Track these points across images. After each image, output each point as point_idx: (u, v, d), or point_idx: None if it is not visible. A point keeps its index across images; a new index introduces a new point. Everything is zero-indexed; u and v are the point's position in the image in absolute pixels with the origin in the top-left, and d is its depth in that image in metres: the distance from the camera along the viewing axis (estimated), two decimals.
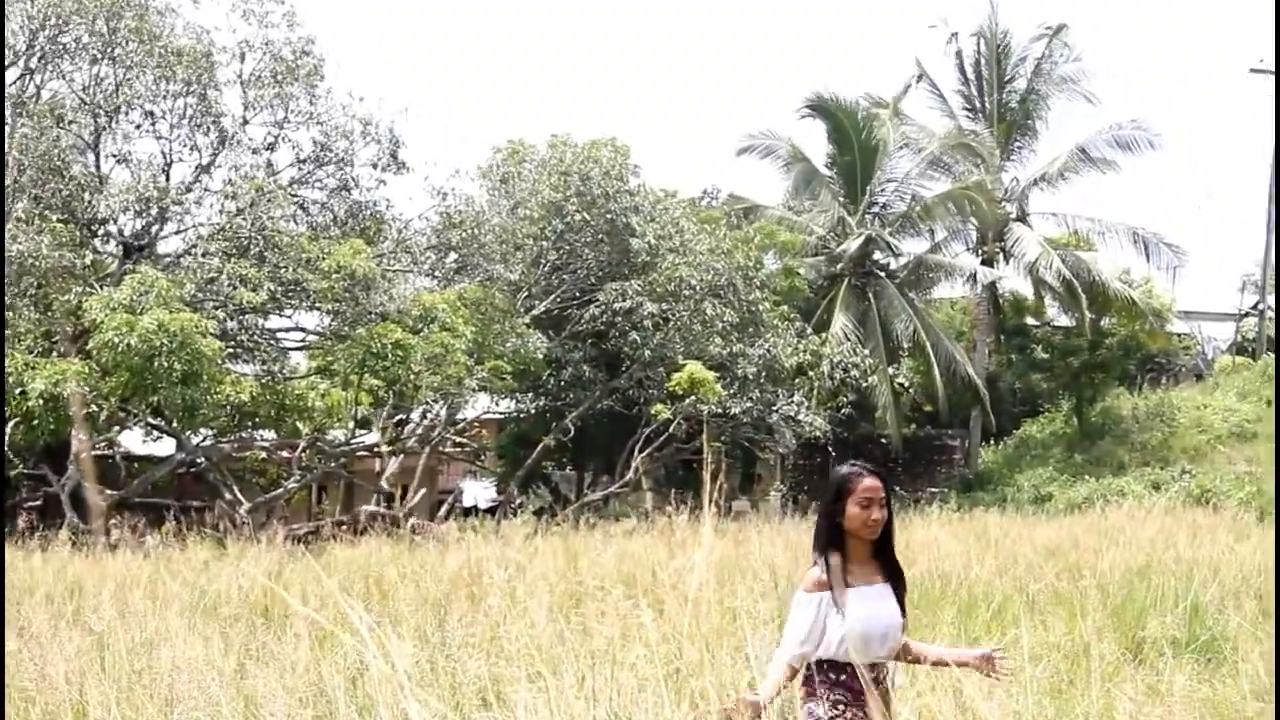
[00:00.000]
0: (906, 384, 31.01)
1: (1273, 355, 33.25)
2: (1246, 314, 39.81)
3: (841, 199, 29.73)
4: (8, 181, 17.09)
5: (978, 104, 32.55)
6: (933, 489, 28.27)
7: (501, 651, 6.16)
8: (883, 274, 29.79)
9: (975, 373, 28.76)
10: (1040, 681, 6.33)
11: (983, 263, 31.08)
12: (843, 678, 4.16)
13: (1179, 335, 36.57)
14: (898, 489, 27.74)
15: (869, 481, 4.24)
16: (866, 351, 26.53)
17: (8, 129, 17.43)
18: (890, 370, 28.16)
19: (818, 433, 24.68)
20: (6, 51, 17.75)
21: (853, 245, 28.56)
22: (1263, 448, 27.16)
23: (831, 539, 4.28)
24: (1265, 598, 9.56)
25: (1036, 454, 29.44)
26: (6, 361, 15.94)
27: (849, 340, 26.53)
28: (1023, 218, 31.98)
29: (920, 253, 31.10)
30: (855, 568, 4.26)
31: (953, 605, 9.28)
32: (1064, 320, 31.60)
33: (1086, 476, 26.71)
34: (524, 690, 4.65)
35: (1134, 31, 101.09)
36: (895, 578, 4.34)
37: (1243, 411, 29.65)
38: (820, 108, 29.76)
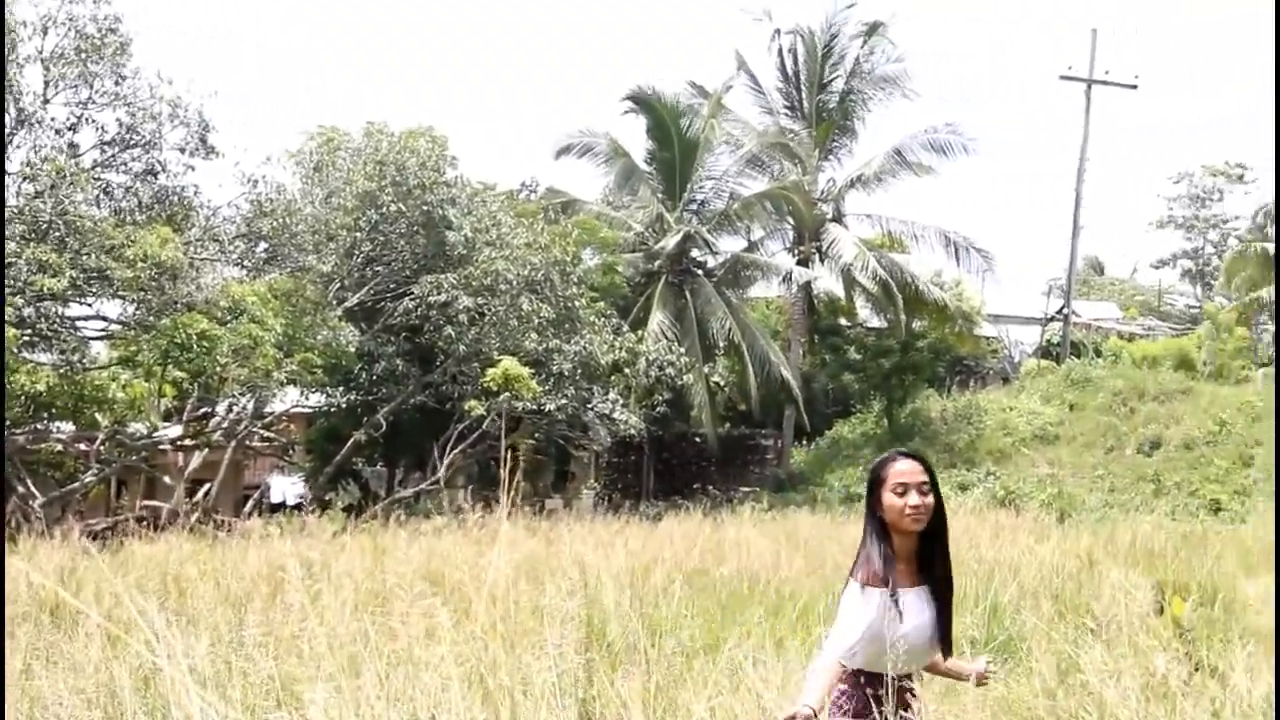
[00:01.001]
0: (722, 383, 32.35)
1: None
2: (1052, 319, 42.48)
3: (661, 195, 30.95)
4: None
5: (797, 102, 34.17)
6: (745, 488, 29.62)
7: (300, 651, 6.01)
8: (700, 272, 31.14)
9: (789, 373, 30.21)
10: None
11: (799, 263, 32.68)
12: (880, 691, 3.97)
13: (987, 339, 38.88)
14: (710, 488, 29.11)
15: (903, 465, 4.09)
16: (683, 350, 27.67)
17: None
18: (706, 369, 29.40)
19: (633, 430, 25.72)
20: None
21: (671, 242, 29.80)
22: (1064, 449, 29.30)
23: (877, 535, 4.10)
24: (1060, 598, 10.27)
25: (848, 454, 31.07)
26: None
27: (666, 338, 27.63)
28: (839, 218, 33.71)
29: (738, 251, 32.50)
30: (901, 568, 4.07)
31: (760, 605, 9.57)
32: (877, 322, 33.40)
33: None
34: (320, 690, 4.58)
35: (951, 37, 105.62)
36: (944, 579, 4.14)
37: (1046, 415, 31.74)
38: (642, 101, 30.86)
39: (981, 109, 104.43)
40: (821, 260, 33.07)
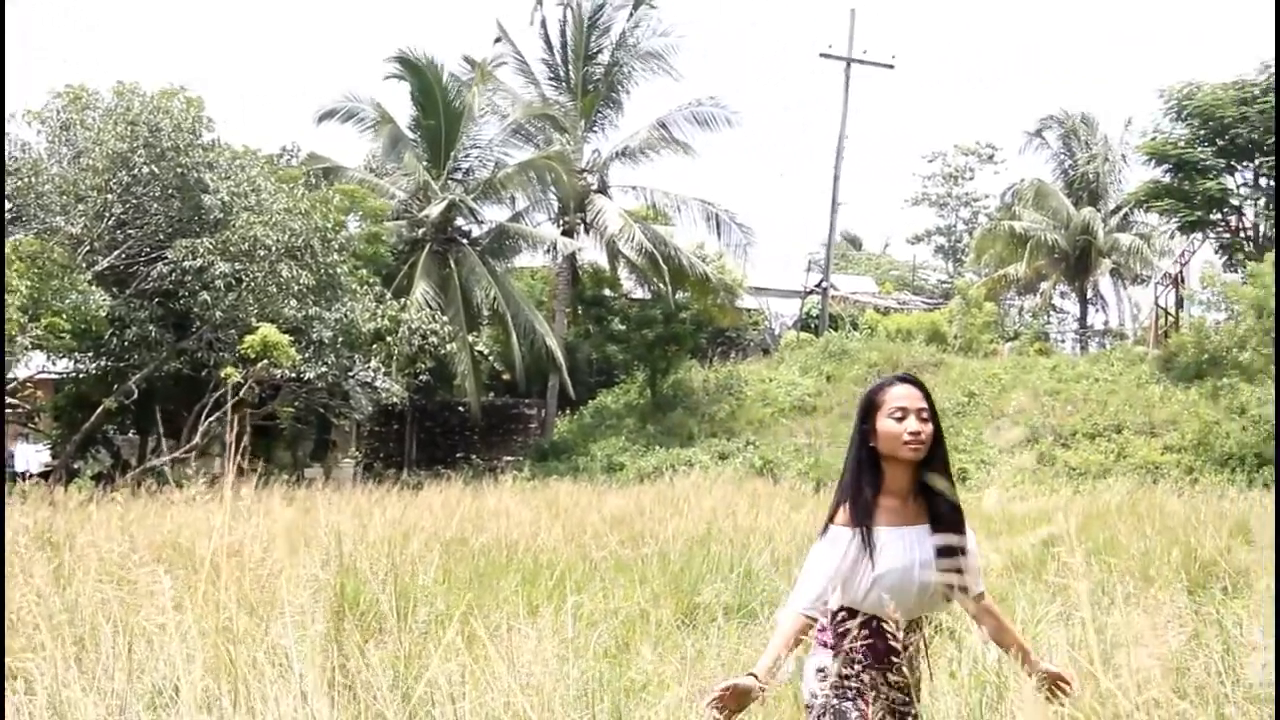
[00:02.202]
0: (486, 352, 32.82)
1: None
2: (811, 292, 44.21)
3: (426, 163, 31.06)
4: None
5: (563, 74, 34.74)
6: (509, 457, 30.21)
7: (35, 626, 5.70)
8: (465, 241, 31.47)
9: (553, 342, 30.72)
10: (596, 646, 6.65)
11: (564, 233, 33.32)
12: (864, 633, 3.78)
13: (749, 311, 40.12)
14: (474, 457, 29.63)
15: (901, 389, 3.92)
16: (446, 318, 27.91)
17: None
18: (470, 338, 29.76)
19: (395, 399, 25.96)
20: None
21: (435, 210, 30.02)
22: (820, 420, 30.77)
23: (864, 468, 3.92)
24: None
25: (611, 424, 31.68)
26: None
27: (429, 306, 27.83)
28: (604, 190, 34.47)
29: (503, 221, 32.93)
30: (893, 503, 3.88)
31: (517, 573, 9.75)
32: (641, 293, 34.28)
33: (657, 447, 28.82)
34: (59, 664, 4.46)
35: (717, 11, 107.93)
36: (950, 514, 3.89)
37: (804, 385, 33.01)
38: (408, 65, 30.89)
39: (745, 84, 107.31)
40: (586, 231, 33.84)
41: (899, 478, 3.88)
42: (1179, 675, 5.59)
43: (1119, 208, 47.07)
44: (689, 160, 40.32)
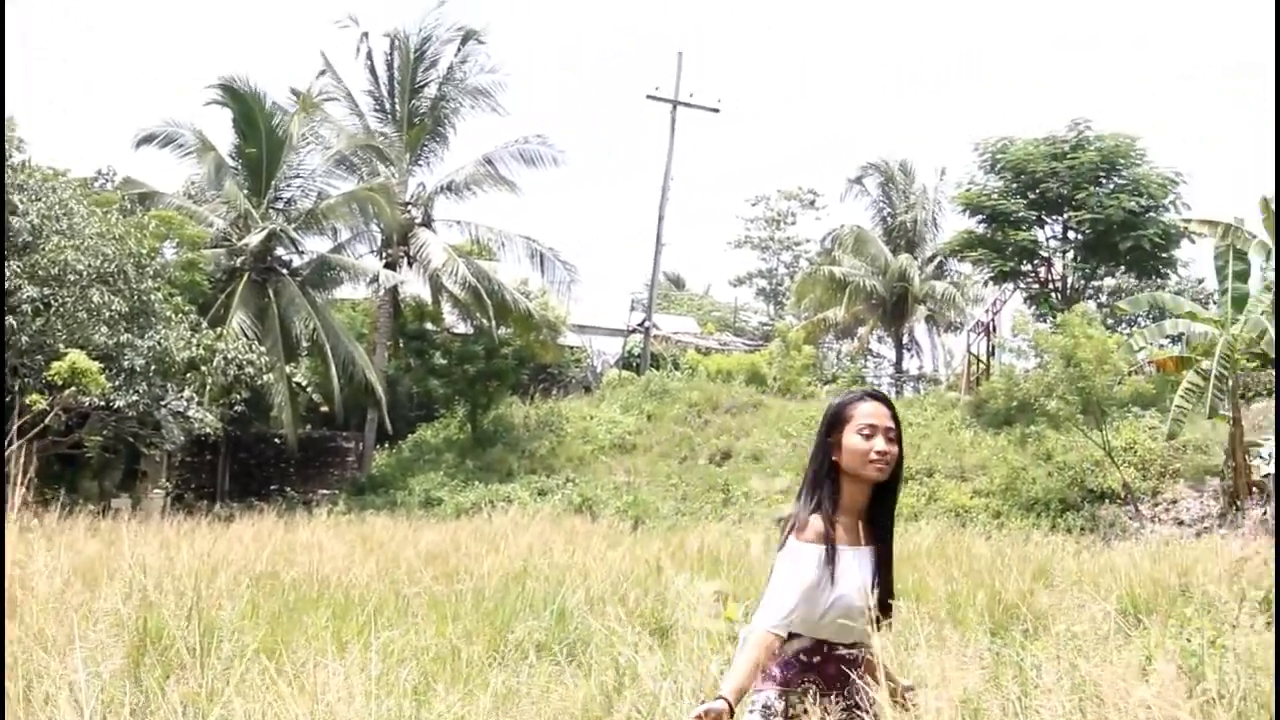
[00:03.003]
0: (304, 383, 32.49)
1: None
2: (633, 331, 44.77)
3: (246, 191, 30.77)
4: None
5: (388, 106, 34.81)
6: (325, 490, 29.97)
7: None
8: (285, 271, 31.24)
9: (373, 375, 30.66)
10: (405, 684, 6.61)
11: (386, 265, 33.35)
12: (815, 659, 3.75)
13: (571, 348, 40.63)
14: (289, 490, 29.30)
15: (871, 406, 3.87)
16: (264, 349, 27.56)
17: None
18: (288, 369, 29.49)
19: (209, 429, 25.52)
20: None
21: (255, 239, 29.78)
22: (640, 458, 31.21)
23: (824, 483, 3.86)
24: (627, 603, 10.38)
25: (430, 458, 31.63)
26: None
27: (246, 336, 27.49)
28: (429, 223, 34.54)
29: (324, 252, 32.75)
30: (848, 521, 3.83)
31: (328, 608, 9.61)
32: (464, 327, 34.38)
33: (477, 482, 28.81)
34: None
35: (545, 50, 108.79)
36: (885, 539, 3.90)
37: (625, 424, 33.49)
38: (230, 92, 30.61)
39: (572, 124, 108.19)
40: (410, 264, 33.88)
41: (856, 496, 3.84)
42: (976, 716, 5.69)
43: (934, 256, 48.80)
44: (515, 197, 40.59)
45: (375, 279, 32.94)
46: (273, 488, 30.02)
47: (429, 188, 35.20)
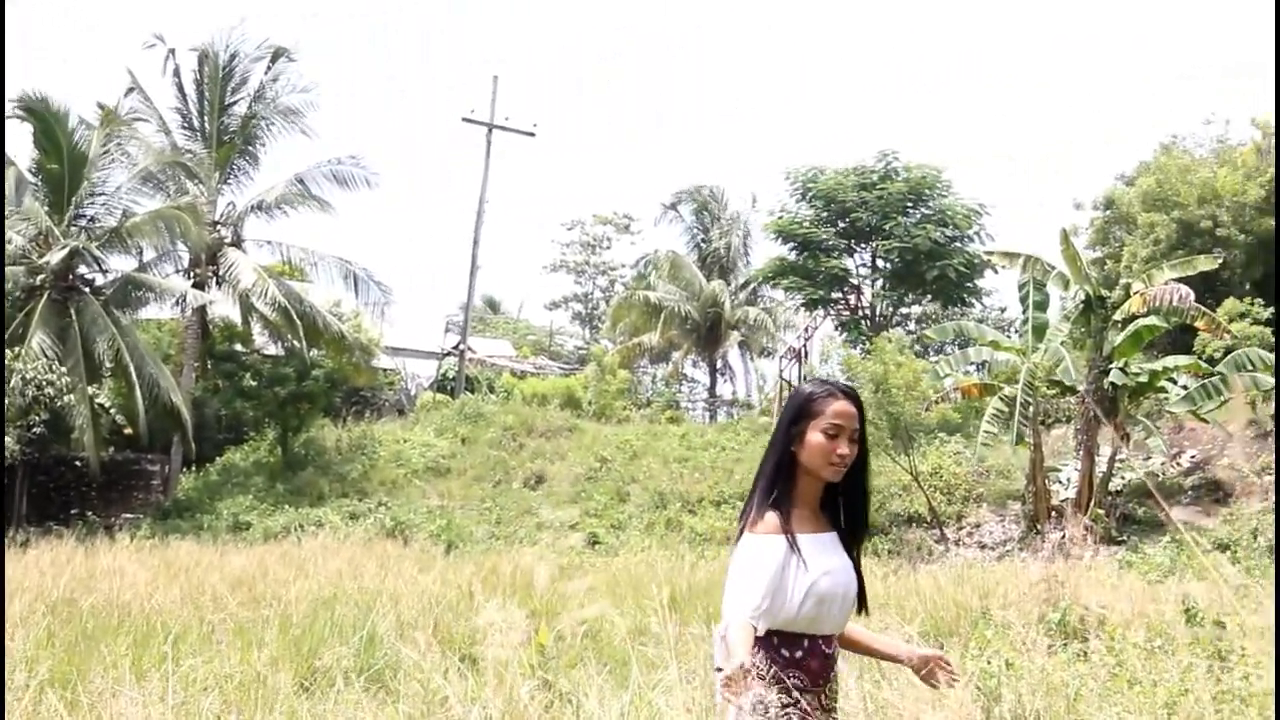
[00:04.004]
0: (108, 405, 31.61)
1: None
2: (448, 354, 44.71)
3: (47, 208, 29.87)
4: None
5: (197, 123, 34.22)
6: (129, 515, 29.21)
7: None
8: (88, 290, 30.35)
9: (179, 398, 29.98)
10: (207, 713, 6.54)
11: (194, 285, 32.68)
12: (797, 654, 3.64)
13: (385, 370, 40.30)
14: (90, 514, 28.49)
15: (840, 404, 3.77)
16: (65, 369, 26.94)
17: None
18: (91, 390, 28.69)
19: (5, 452, 24.71)
20: None
21: (55, 257, 28.94)
22: (454, 482, 31.17)
23: (781, 473, 3.81)
24: (438, 628, 10.57)
25: (238, 482, 31.10)
26: None
27: (46, 356, 26.72)
28: (238, 243, 34.01)
29: (129, 271, 31.93)
30: (803, 512, 3.78)
31: (128, 636, 9.44)
32: (274, 349, 33.89)
33: (287, 506, 28.45)
34: None
35: (359, 71, 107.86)
36: (854, 527, 3.89)
37: (439, 447, 33.44)
38: (29, 108, 29.68)
39: (387, 145, 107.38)
40: (219, 284, 33.27)
41: (812, 488, 3.78)
42: None
43: (747, 282, 49.81)
44: (329, 218, 40.23)
45: (182, 299, 32.25)
46: (73, 512, 29.15)
47: (239, 207, 34.71)
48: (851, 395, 3.81)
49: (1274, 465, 18.71)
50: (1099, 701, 4.34)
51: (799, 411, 3.78)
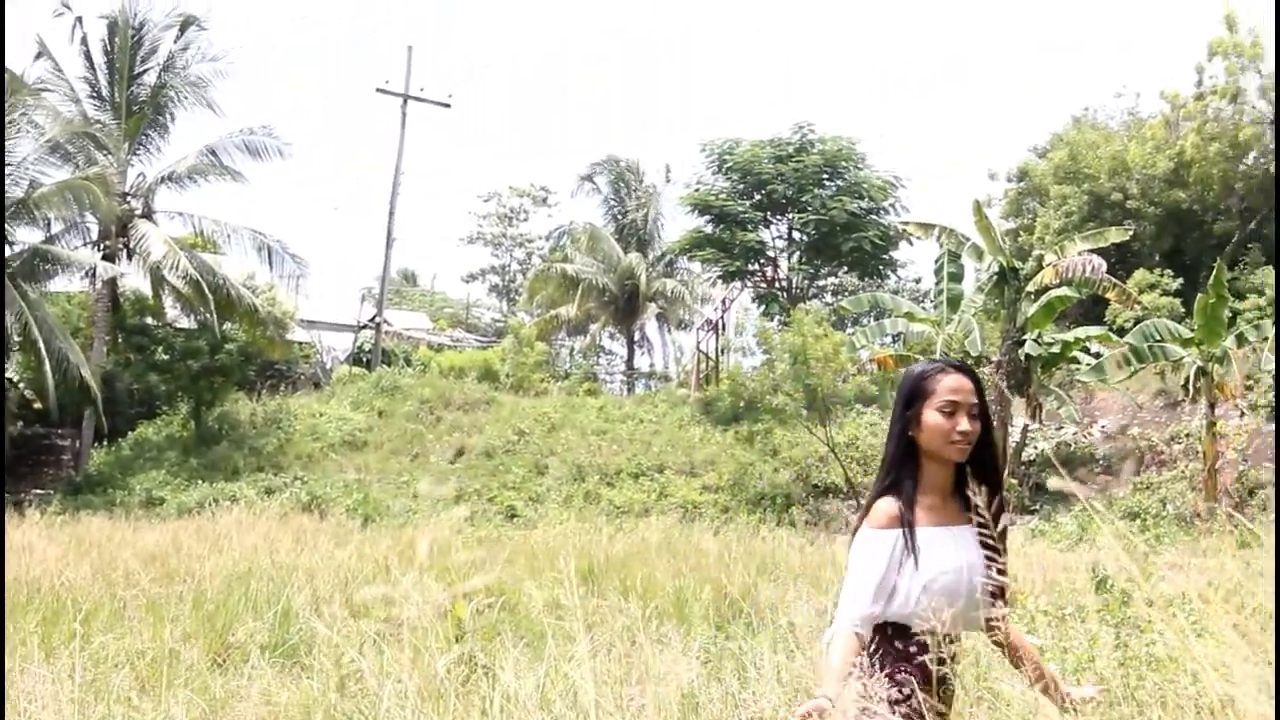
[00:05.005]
0: (16, 379, 31.01)
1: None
2: (364, 326, 44.39)
3: None
4: None
5: (106, 93, 33.46)
6: (39, 491, 28.74)
7: None
8: None
9: (88, 372, 29.48)
10: (118, 689, 6.51)
11: (104, 258, 32.09)
12: (911, 649, 3.43)
13: (300, 344, 39.94)
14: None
15: (954, 380, 3.61)
16: None
17: None
18: None
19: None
20: None
21: None
22: (371, 455, 30.98)
23: (902, 460, 3.63)
24: (353, 602, 10.06)
25: (151, 456, 30.68)
26: None
27: None
28: (149, 215, 33.42)
29: (36, 243, 31.27)
30: (932, 501, 3.59)
31: (38, 613, 9.34)
32: (187, 322, 33.41)
33: (201, 481, 28.09)
34: None
35: (273, 39, 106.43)
36: (994, 518, 3.45)
37: (356, 420, 33.25)
38: None
39: (301, 115, 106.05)
40: (129, 257, 32.70)
41: (939, 474, 3.61)
42: (694, 707, 5.94)
43: (664, 255, 49.87)
44: (242, 189, 39.73)
45: (92, 272, 31.66)
46: None
47: (149, 178, 34.07)
48: (965, 369, 3.67)
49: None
50: (1009, 669, 4.39)
51: (912, 393, 3.63)
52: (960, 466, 3.60)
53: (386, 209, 42.08)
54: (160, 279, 31.90)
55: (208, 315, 31.30)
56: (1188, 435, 24.03)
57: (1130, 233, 27.92)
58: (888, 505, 3.50)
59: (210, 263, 32.03)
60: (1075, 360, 24.60)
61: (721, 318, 40.81)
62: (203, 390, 32.11)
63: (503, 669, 6.01)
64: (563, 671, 6.27)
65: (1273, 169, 33.80)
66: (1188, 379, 22.67)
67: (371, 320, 43.22)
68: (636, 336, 52.31)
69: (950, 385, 3.56)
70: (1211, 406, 22.03)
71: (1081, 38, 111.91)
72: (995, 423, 24.15)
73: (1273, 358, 20.90)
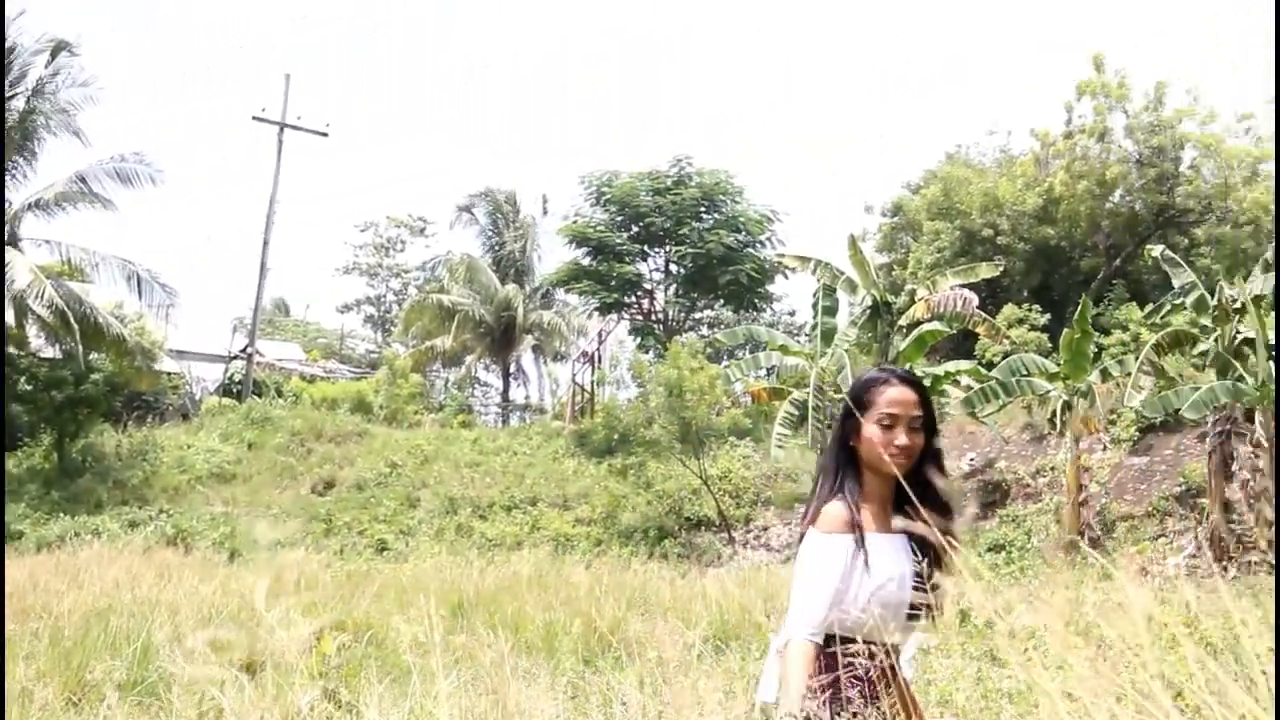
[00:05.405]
0: None
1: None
2: (235, 357, 43.73)
3: None
4: None
5: None
6: None
7: None
8: None
9: None
10: None
11: None
12: (857, 661, 3.36)
13: (169, 374, 39.12)
14: None
15: (896, 391, 3.57)
16: None
17: None
18: None
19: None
20: None
21: None
22: (240, 488, 30.51)
23: (843, 468, 3.60)
24: (217, 638, 10.48)
25: (11, 489, 29.62)
26: None
27: None
28: (14, 242, 32.63)
29: None
30: (873, 508, 3.55)
31: None
32: (51, 352, 32.65)
33: (62, 514, 27.28)
34: None
35: (147, 67, 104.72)
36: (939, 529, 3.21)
37: (224, 452, 32.76)
38: None
39: (174, 144, 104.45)
40: None
41: (879, 485, 3.55)
42: None
43: (541, 286, 49.91)
44: (112, 217, 38.89)
45: None
46: None
47: (15, 205, 33.24)
48: (910, 380, 3.60)
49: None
50: None
51: (853, 402, 3.60)
52: (898, 481, 3.49)
53: (261, 238, 41.65)
54: (24, 308, 31.15)
55: (73, 345, 30.63)
56: (1053, 468, 24.64)
57: (1001, 268, 28.63)
58: (838, 510, 3.47)
59: (77, 291, 31.33)
60: (945, 393, 25.12)
61: (598, 350, 40.94)
62: (66, 421, 31.34)
63: (367, 706, 6.13)
64: (427, 709, 6.20)
65: (1138, 207, 35.06)
66: (1054, 413, 23.22)
67: (243, 351, 42.63)
68: (512, 368, 52.27)
69: (891, 397, 3.52)
70: (1076, 440, 22.61)
71: (957, 76, 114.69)
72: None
73: (1134, 393, 21.48)
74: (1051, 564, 19.33)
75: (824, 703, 3.25)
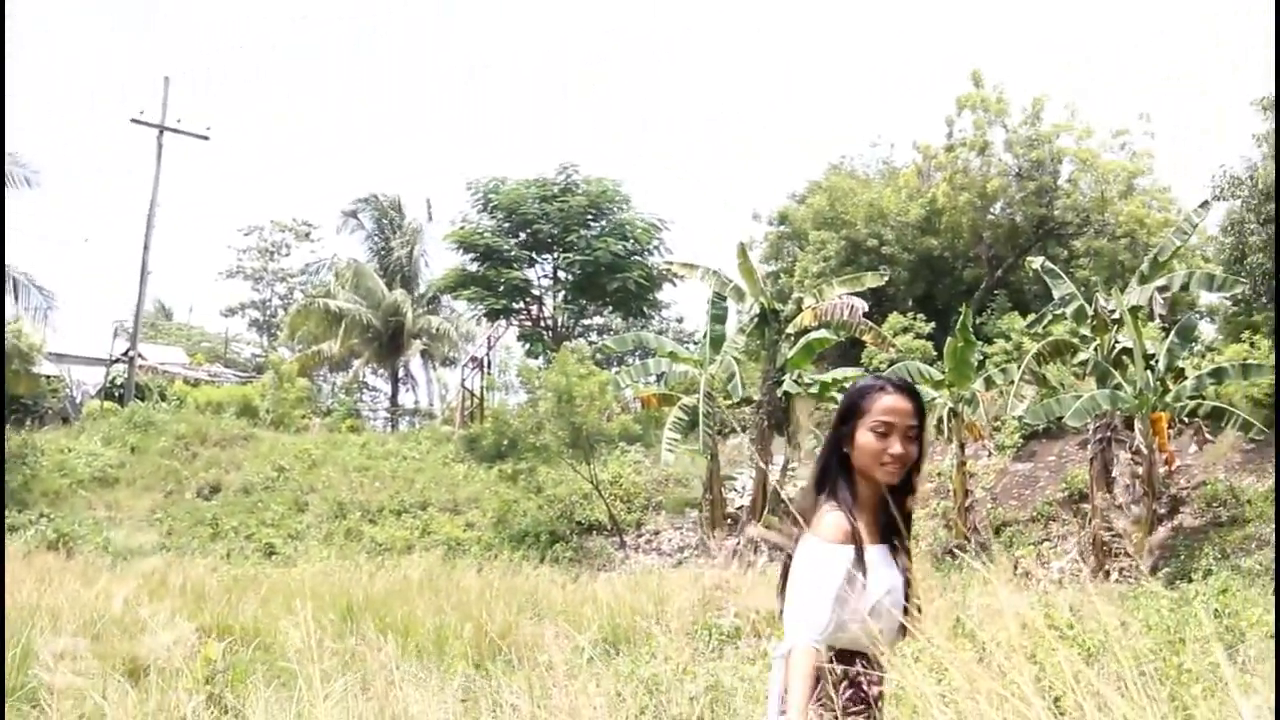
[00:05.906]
0: None
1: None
2: (117, 360, 42.78)
3: None
4: None
5: None
6: None
7: None
8: None
9: None
10: None
11: None
12: (853, 672, 3.34)
13: (48, 378, 38.18)
14: None
15: (892, 400, 3.50)
16: None
17: None
18: None
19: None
20: None
21: None
22: (123, 492, 29.81)
23: (836, 475, 3.53)
24: (102, 643, 10.31)
25: None
26: None
27: None
28: None
29: None
30: (866, 518, 3.49)
31: None
32: None
33: None
34: None
35: (18, 65, 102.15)
36: (899, 536, 3.49)
37: (107, 456, 31.98)
38: None
39: (49, 144, 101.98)
40: None
41: (870, 493, 3.50)
42: None
43: (429, 292, 49.52)
44: None
45: None
46: None
47: None
48: (907, 389, 3.54)
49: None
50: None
51: (848, 409, 3.54)
52: (885, 491, 3.51)
53: (141, 241, 40.77)
54: None
55: None
56: (940, 474, 24.96)
57: (886, 277, 29.01)
58: (839, 520, 3.38)
59: None
60: (833, 400, 25.31)
61: (486, 355, 40.75)
62: None
63: (252, 711, 6.10)
64: (313, 714, 6.12)
65: (1019, 219, 35.71)
66: (940, 420, 23.50)
67: (125, 354, 41.75)
68: (401, 373, 51.80)
69: (886, 405, 3.46)
70: (961, 447, 22.93)
71: (841, 88, 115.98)
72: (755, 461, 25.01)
73: (1018, 401, 21.80)
74: (938, 569, 19.56)
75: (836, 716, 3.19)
